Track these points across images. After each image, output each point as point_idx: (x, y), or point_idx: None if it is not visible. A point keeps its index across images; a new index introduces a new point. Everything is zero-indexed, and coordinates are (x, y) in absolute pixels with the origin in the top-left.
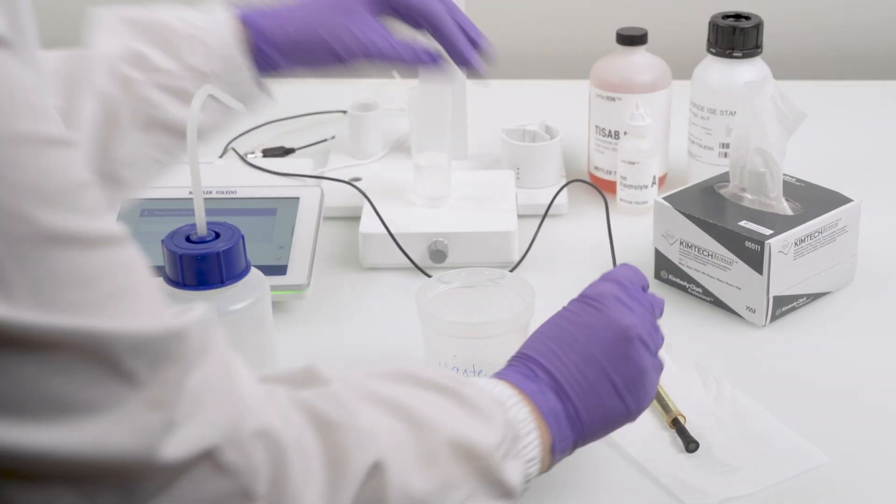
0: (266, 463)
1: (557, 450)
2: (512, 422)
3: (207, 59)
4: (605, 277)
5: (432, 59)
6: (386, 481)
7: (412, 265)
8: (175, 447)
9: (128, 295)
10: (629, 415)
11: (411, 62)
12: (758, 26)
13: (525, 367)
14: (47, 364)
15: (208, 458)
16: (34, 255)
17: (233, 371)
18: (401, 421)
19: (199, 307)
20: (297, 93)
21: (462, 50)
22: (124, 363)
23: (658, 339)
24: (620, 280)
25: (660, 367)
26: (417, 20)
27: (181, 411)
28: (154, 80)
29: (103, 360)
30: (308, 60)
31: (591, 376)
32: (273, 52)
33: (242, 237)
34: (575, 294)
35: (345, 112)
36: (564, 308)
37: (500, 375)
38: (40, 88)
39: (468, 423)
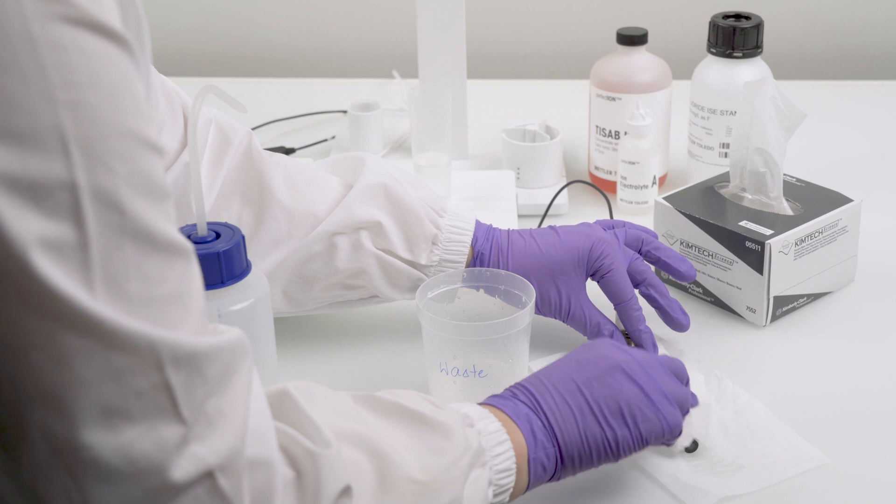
0: (253, 492)
1: (533, 460)
2: (478, 434)
3: (432, 260)
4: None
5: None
6: None
7: None
8: (184, 464)
9: (178, 302)
10: (614, 442)
11: (592, 337)
12: (758, 26)
13: (507, 391)
14: (106, 365)
15: (208, 479)
16: (116, 241)
17: (248, 399)
18: (363, 452)
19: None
20: (297, 93)
21: (645, 347)
22: (169, 376)
23: (668, 393)
24: (628, 347)
25: (661, 416)
26: (610, 299)
27: (195, 431)
28: (380, 256)
29: (152, 370)
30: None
31: (567, 395)
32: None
33: (243, 237)
34: None
35: (345, 112)
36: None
37: (480, 402)
38: (149, 94)
39: (427, 444)
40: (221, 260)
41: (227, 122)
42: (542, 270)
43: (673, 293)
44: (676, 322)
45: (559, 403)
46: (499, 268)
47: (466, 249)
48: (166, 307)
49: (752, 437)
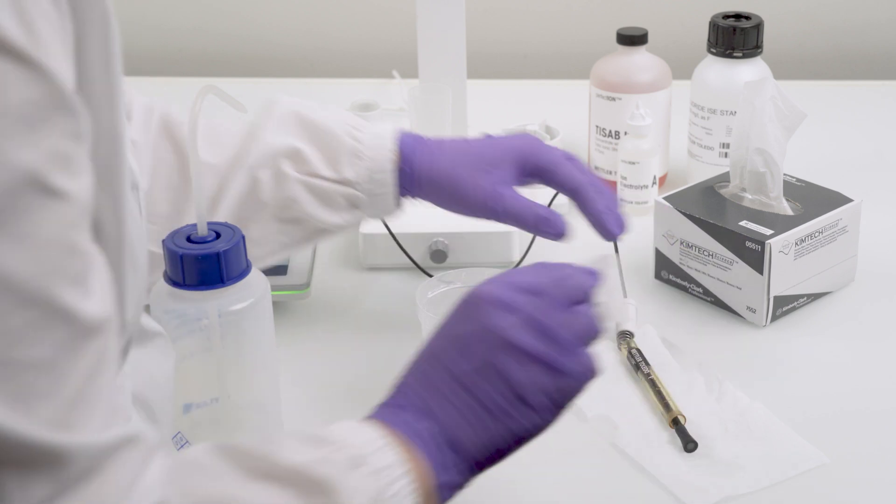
0: None
1: (440, 486)
2: (370, 476)
3: (360, 173)
4: (495, 278)
5: (556, 234)
6: None
7: (413, 265)
8: None
9: (44, 374)
10: (523, 430)
11: (533, 229)
12: (758, 26)
13: (398, 398)
14: None
15: None
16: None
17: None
18: None
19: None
20: (297, 93)
21: (609, 227)
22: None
23: (564, 337)
24: (512, 279)
25: (568, 373)
26: (563, 191)
27: None
28: (306, 181)
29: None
30: (441, 201)
31: (457, 401)
32: (414, 186)
33: (243, 237)
34: None
35: None
36: (448, 313)
37: (374, 414)
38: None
39: None
40: (221, 260)
41: (159, 107)
42: (472, 163)
43: (672, 293)
44: (608, 231)
45: (453, 413)
46: (429, 164)
47: (391, 155)
48: (24, 375)
49: (752, 437)
